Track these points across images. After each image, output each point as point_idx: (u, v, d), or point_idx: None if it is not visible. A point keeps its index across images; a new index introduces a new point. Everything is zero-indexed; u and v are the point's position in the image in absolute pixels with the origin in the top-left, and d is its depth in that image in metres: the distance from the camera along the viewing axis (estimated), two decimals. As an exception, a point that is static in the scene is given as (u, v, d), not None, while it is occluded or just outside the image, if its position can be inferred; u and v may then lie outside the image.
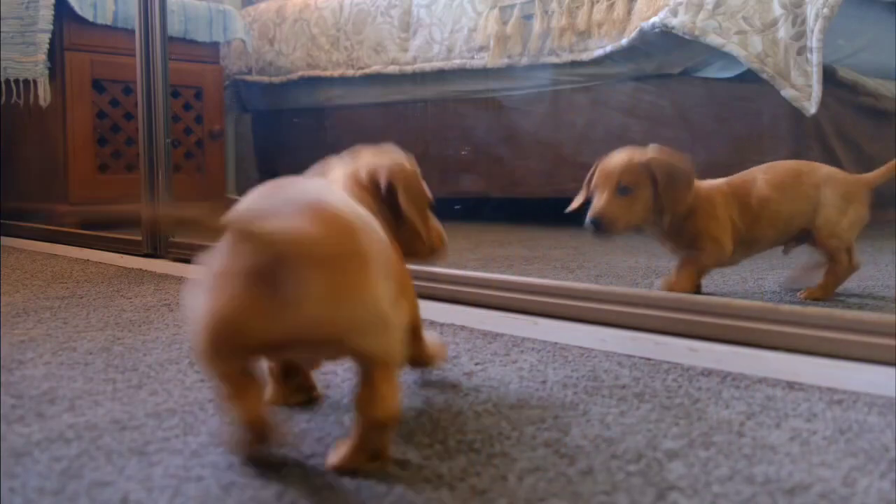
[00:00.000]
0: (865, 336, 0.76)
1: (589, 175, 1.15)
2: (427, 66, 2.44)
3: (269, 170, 2.97)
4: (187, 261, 1.48)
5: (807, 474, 0.53)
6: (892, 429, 0.62)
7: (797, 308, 0.84)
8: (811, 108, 1.73)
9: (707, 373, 0.79)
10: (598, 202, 1.10)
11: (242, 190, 2.94)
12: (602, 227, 1.10)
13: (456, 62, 2.36)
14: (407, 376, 0.76)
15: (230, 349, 0.51)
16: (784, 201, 1.16)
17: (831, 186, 1.16)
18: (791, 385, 0.74)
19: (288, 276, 0.48)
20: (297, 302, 0.48)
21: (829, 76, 1.81)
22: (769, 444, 0.59)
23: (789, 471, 0.54)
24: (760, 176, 1.17)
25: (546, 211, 2.46)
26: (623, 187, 1.10)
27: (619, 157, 1.12)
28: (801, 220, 1.16)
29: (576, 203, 1.16)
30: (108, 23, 2.23)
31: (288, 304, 0.48)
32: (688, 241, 1.16)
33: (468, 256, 1.67)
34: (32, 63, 2.17)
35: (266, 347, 0.52)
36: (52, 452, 0.57)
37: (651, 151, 1.12)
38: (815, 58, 1.71)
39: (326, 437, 0.61)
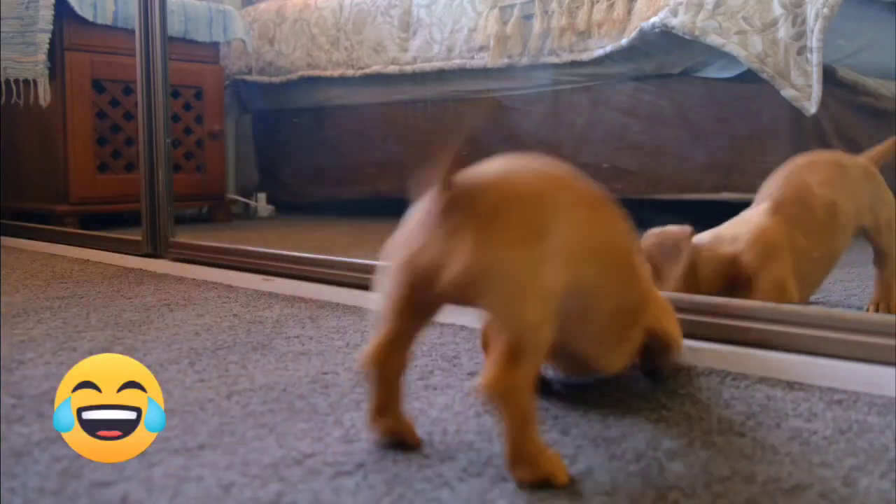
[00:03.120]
0: (865, 336, 0.76)
1: None
2: (427, 66, 2.43)
3: (269, 170, 2.97)
4: (187, 261, 1.48)
5: (807, 474, 0.53)
6: (892, 429, 0.62)
7: (797, 308, 0.84)
8: (811, 108, 1.73)
9: (707, 373, 0.79)
10: None
11: (243, 190, 2.94)
12: None
13: (456, 62, 2.36)
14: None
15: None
16: (844, 201, 1.00)
17: (872, 176, 1.03)
18: (791, 385, 0.74)
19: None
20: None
21: (829, 76, 1.81)
22: (769, 444, 0.59)
23: (789, 471, 0.54)
24: (810, 178, 1.00)
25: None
26: None
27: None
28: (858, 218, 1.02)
29: None
30: (108, 23, 2.23)
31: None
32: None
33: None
34: (32, 63, 2.17)
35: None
36: (52, 452, 0.57)
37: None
38: (815, 58, 1.71)
39: (326, 437, 0.61)
